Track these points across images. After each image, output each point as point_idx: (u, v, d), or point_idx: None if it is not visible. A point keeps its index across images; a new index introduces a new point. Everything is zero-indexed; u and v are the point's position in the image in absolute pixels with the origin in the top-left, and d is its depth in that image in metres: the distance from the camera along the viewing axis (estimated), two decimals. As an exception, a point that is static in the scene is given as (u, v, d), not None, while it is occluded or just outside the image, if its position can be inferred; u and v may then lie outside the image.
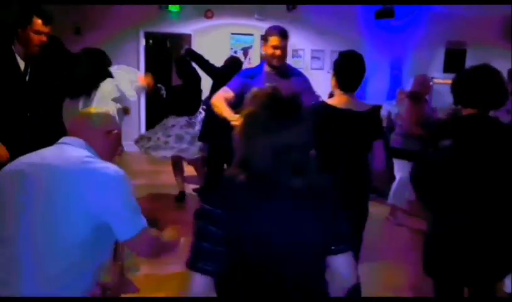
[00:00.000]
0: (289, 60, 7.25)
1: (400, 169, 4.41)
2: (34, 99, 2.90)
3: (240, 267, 1.21)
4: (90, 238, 1.40)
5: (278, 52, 2.84)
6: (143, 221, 1.50)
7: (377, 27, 7.51)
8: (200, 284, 1.19)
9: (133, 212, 1.47)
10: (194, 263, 1.19)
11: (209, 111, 4.11)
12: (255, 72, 3.03)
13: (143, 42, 7.30)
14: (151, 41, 8.17)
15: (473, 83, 1.95)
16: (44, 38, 2.78)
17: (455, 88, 2.04)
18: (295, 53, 7.34)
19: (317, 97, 2.95)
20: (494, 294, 2.09)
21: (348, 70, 2.41)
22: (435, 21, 7.54)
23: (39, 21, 2.74)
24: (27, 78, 2.87)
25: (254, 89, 1.27)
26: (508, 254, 1.92)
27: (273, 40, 2.85)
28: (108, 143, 1.62)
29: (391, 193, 4.53)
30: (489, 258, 1.90)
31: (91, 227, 1.39)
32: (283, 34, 2.89)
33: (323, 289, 1.28)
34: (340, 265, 1.26)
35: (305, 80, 3.02)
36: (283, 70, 2.96)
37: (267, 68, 2.95)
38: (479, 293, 2.07)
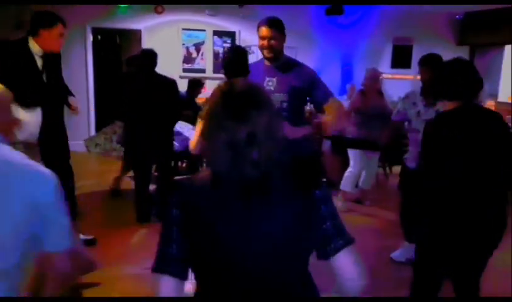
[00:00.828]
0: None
1: (357, 159, 4.72)
2: (51, 95, 3.20)
3: (206, 276, 1.17)
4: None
5: (265, 43, 2.68)
6: (73, 238, 1.43)
7: (328, 24, 7.64)
8: (169, 286, 1.14)
9: (68, 224, 1.39)
10: (160, 266, 1.15)
11: (130, 115, 4.09)
12: (254, 67, 2.84)
13: (90, 38, 7.02)
14: (99, 37, 7.88)
15: (457, 77, 2.04)
16: (63, 40, 3.19)
17: (438, 84, 2.12)
18: (249, 49, 7.33)
19: (327, 90, 2.80)
20: (477, 285, 2.19)
21: None
22: (383, 17, 7.78)
23: (61, 24, 3.15)
24: (44, 76, 3.18)
25: (215, 87, 1.23)
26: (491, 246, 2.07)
27: (261, 31, 2.70)
28: None
29: (343, 180, 4.81)
30: (478, 249, 2.06)
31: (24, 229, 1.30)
32: (271, 24, 2.69)
33: (303, 293, 1.21)
34: (341, 264, 1.19)
35: (310, 73, 2.85)
36: (283, 63, 2.79)
37: (265, 62, 2.81)
38: (463, 284, 2.20)
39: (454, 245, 2.08)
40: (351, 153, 4.76)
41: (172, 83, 4.16)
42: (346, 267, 1.19)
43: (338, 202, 4.78)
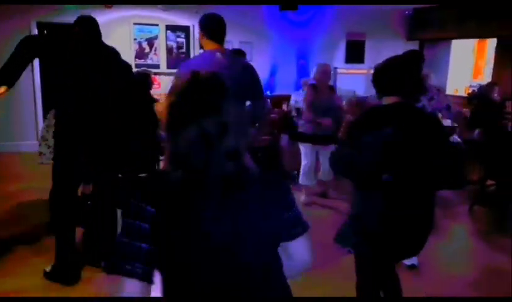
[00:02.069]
0: (198, 52, 7.19)
1: (308, 153, 4.82)
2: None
3: (177, 273, 1.12)
4: None
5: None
6: None
7: (283, 20, 7.66)
8: (130, 287, 1.07)
9: None
10: (120, 265, 1.07)
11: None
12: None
13: (35, 33, 6.67)
14: (45, 32, 7.49)
15: (396, 73, 2.06)
16: None
17: (377, 79, 2.12)
18: (203, 45, 7.25)
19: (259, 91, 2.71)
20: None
21: None
22: (337, 13, 7.89)
23: None
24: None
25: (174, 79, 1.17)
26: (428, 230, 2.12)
27: None
28: None
29: (300, 175, 4.91)
30: (418, 234, 2.10)
31: None
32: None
33: (274, 283, 1.22)
34: (296, 249, 1.24)
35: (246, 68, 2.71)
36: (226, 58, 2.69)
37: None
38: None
39: (384, 238, 2.10)
40: (302, 147, 4.86)
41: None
42: (300, 250, 1.25)
43: (301, 197, 4.90)
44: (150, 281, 1.10)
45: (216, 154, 1.03)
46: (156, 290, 1.15)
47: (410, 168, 1.99)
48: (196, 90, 1.07)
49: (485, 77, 8.24)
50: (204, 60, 2.63)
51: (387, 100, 2.08)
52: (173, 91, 1.12)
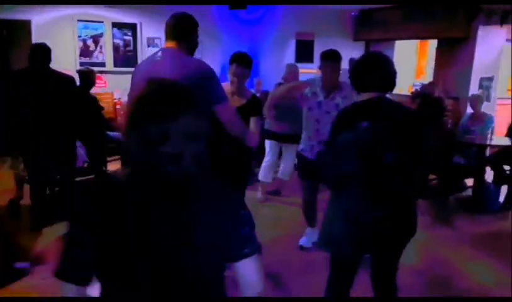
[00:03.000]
0: (145, 49, 7.02)
1: (271, 150, 4.92)
2: None
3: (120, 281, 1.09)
4: None
5: None
6: None
7: (233, 19, 7.62)
8: (71, 293, 1.10)
9: None
10: (65, 273, 1.09)
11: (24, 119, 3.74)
12: None
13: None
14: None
15: (373, 69, 2.11)
16: None
17: (356, 75, 2.17)
18: (152, 42, 7.09)
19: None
20: (395, 263, 2.30)
21: None
22: (286, 13, 7.96)
23: None
24: None
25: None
26: (406, 226, 2.20)
27: None
28: None
29: (261, 171, 4.98)
30: (391, 228, 2.14)
31: None
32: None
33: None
34: (245, 270, 1.20)
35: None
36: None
37: None
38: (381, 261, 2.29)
39: (362, 234, 2.13)
40: (267, 143, 4.93)
41: (68, 80, 3.85)
42: (250, 272, 1.20)
43: (257, 194, 4.95)
44: (87, 284, 1.11)
45: (159, 158, 1.02)
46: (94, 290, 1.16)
47: (397, 159, 2.05)
48: (146, 97, 1.07)
49: (428, 77, 8.63)
50: (147, 61, 2.56)
51: (365, 95, 2.12)
52: (132, 97, 1.15)
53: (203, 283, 1.14)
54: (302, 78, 7.97)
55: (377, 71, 2.11)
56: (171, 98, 1.05)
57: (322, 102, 3.39)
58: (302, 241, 3.82)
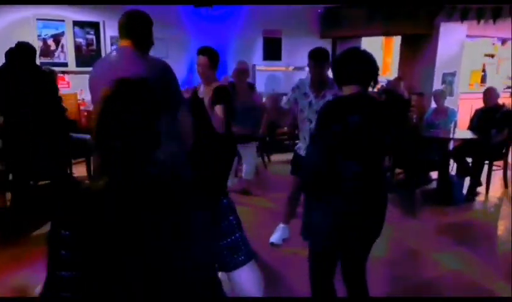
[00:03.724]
0: (109, 48, 6.83)
1: None
2: None
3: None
4: None
5: None
6: None
7: (199, 16, 7.54)
8: None
9: None
10: (50, 293, 1.04)
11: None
12: None
13: None
14: None
15: (356, 64, 2.13)
16: None
17: (339, 70, 2.18)
18: (116, 41, 6.90)
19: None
20: (366, 255, 2.33)
21: None
22: (252, 10, 7.92)
23: None
24: None
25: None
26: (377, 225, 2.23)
27: None
28: None
29: None
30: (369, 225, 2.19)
31: None
32: None
33: None
34: (242, 281, 1.12)
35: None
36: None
37: None
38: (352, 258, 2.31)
39: (343, 227, 2.16)
40: None
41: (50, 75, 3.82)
42: (247, 283, 1.13)
43: None
44: None
45: (136, 165, 0.99)
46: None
47: (375, 155, 2.10)
48: (116, 101, 1.03)
49: (393, 73, 8.80)
50: (102, 61, 2.52)
51: (348, 90, 2.13)
52: (97, 102, 1.07)
53: (193, 292, 1.08)
54: (270, 76, 8.05)
55: (361, 65, 2.14)
56: (138, 99, 1.01)
57: (313, 102, 3.41)
58: (274, 238, 3.82)
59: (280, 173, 5.67)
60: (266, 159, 6.62)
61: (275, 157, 6.74)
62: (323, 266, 2.28)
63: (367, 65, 2.15)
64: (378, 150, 2.12)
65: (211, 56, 3.48)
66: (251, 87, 4.97)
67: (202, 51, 3.51)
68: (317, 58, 3.37)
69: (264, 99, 5.07)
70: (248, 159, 5.04)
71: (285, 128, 7.08)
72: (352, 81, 2.13)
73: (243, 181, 5.20)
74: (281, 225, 3.84)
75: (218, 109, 3.28)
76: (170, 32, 7.01)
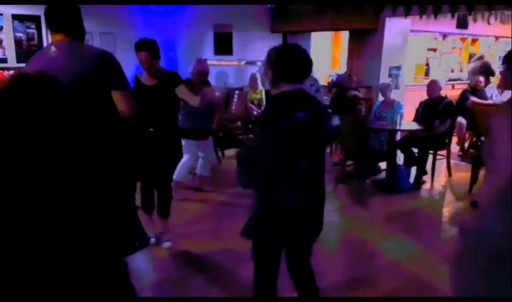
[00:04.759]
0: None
1: (187, 149, 4.70)
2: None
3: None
4: None
5: None
6: None
7: (148, 12, 7.36)
8: None
9: None
10: None
11: None
12: None
13: None
14: None
15: (294, 61, 2.14)
16: None
17: (276, 67, 2.16)
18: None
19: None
20: (311, 249, 2.38)
21: None
22: (201, 4, 7.83)
23: None
24: None
25: None
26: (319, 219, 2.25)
27: None
28: None
29: (177, 170, 4.73)
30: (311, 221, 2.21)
31: None
32: None
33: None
34: (139, 262, 1.20)
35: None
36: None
37: None
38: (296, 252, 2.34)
39: (285, 223, 2.16)
40: (184, 144, 4.72)
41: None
42: (142, 264, 1.26)
43: (177, 191, 4.79)
44: None
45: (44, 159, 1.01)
46: None
47: (319, 151, 2.14)
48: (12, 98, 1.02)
49: (343, 67, 9.01)
50: (37, 57, 2.30)
51: (286, 86, 2.12)
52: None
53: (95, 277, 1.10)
54: (222, 70, 8.00)
55: (298, 62, 2.15)
56: (33, 95, 1.01)
57: None
58: None
59: (234, 167, 5.67)
60: (220, 154, 6.61)
61: (228, 152, 6.74)
62: (268, 262, 2.28)
63: (306, 62, 2.17)
64: (321, 145, 2.18)
65: (151, 49, 3.47)
66: (207, 83, 4.96)
67: (140, 46, 3.48)
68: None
69: (217, 94, 5.03)
70: (206, 154, 5.03)
71: (239, 123, 7.08)
72: (292, 79, 2.14)
73: (197, 179, 5.17)
74: None
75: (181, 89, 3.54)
76: (117, 27, 6.81)
